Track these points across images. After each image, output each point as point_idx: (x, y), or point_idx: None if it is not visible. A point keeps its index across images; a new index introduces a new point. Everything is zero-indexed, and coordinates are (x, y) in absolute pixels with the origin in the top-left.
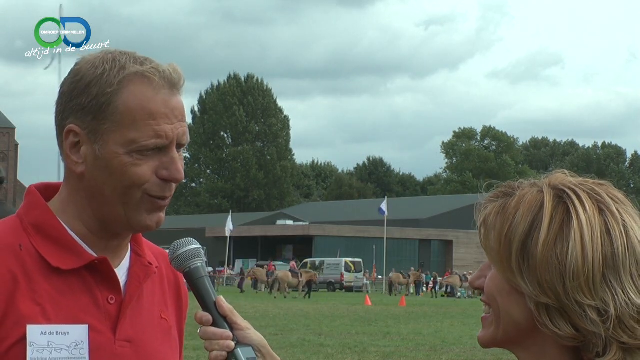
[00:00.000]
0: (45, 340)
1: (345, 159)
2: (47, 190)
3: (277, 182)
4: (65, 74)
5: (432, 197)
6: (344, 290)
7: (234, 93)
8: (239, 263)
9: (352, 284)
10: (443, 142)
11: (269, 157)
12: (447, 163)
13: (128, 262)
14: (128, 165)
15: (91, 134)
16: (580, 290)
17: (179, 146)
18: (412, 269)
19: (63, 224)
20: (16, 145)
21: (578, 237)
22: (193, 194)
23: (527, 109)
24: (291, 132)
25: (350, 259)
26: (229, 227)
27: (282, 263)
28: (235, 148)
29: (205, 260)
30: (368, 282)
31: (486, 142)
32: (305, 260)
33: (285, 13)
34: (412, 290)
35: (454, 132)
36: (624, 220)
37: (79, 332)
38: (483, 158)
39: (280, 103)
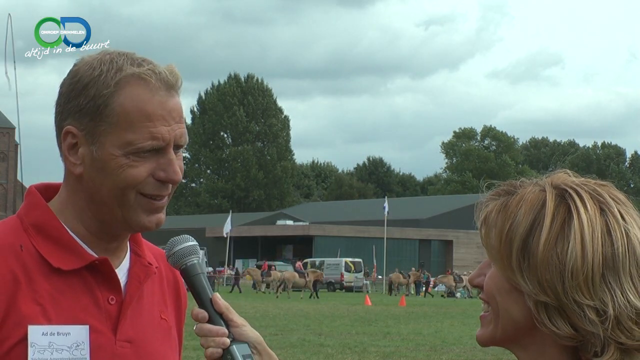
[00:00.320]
0: (46, 341)
1: (345, 159)
2: (47, 191)
3: (277, 182)
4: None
5: (432, 197)
6: (344, 290)
7: (234, 93)
8: (239, 263)
9: (352, 284)
10: (443, 142)
11: (269, 157)
12: (447, 163)
13: (128, 262)
14: (124, 166)
15: (88, 135)
16: (579, 290)
17: (177, 147)
18: (413, 269)
19: (63, 224)
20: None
21: (578, 237)
22: (193, 194)
23: (527, 109)
24: (291, 132)
25: (350, 259)
26: (227, 229)
27: (282, 263)
28: (235, 148)
29: (205, 258)
30: (368, 282)
31: (486, 142)
32: (305, 260)
33: (285, 13)
34: (412, 291)
35: (454, 132)
36: (625, 222)
37: (79, 333)
38: (483, 158)
39: (280, 103)
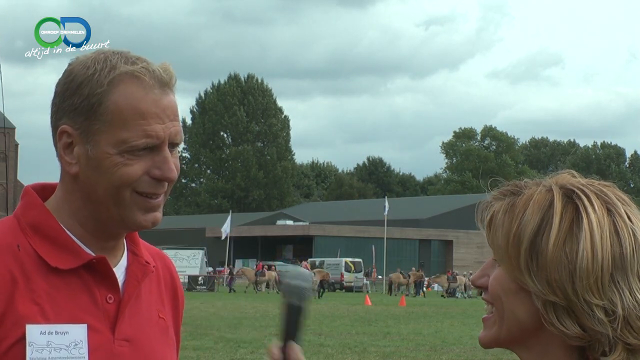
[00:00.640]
0: (44, 340)
1: (345, 159)
2: (44, 191)
3: (277, 182)
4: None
5: (432, 197)
6: (344, 290)
7: (234, 93)
8: (239, 263)
9: (352, 284)
10: (443, 142)
11: (269, 157)
12: (447, 163)
13: (125, 261)
14: (119, 165)
15: (83, 134)
16: (589, 290)
17: (172, 145)
18: (413, 268)
19: (60, 223)
20: (16, 145)
21: (588, 237)
22: (193, 194)
23: (527, 109)
24: (291, 132)
25: (350, 259)
26: (225, 231)
27: (282, 263)
28: (235, 148)
29: (204, 258)
30: (368, 282)
31: (486, 142)
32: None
33: (285, 13)
34: (412, 291)
35: (454, 132)
36: (632, 222)
37: (78, 332)
38: (483, 158)
39: (280, 103)
